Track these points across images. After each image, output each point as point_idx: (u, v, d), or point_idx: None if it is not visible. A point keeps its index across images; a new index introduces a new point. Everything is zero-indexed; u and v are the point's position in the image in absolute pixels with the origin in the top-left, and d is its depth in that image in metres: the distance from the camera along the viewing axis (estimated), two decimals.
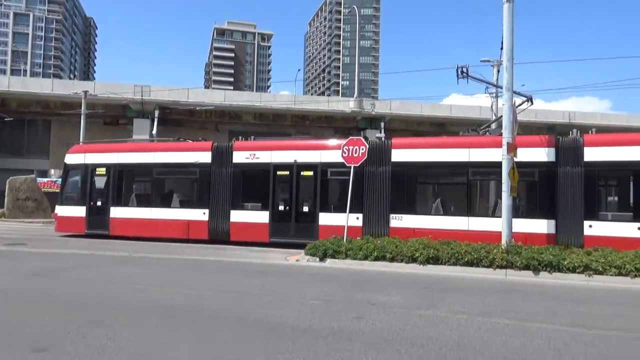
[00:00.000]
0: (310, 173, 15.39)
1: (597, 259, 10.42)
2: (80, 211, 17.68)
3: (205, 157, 16.66)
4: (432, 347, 5.36)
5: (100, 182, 17.82)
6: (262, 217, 15.73)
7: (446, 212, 14.30)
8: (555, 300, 8.33)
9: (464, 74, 15.65)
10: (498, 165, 12.16)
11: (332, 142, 15.83)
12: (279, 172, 15.75)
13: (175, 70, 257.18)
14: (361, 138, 13.77)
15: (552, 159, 13.33)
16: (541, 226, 13.10)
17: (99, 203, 17.57)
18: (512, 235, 11.88)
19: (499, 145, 12.29)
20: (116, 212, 17.32)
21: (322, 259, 12.34)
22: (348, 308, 7.23)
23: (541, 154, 13.45)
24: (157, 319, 6.45)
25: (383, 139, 20.03)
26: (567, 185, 13.09)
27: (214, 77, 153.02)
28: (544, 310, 7.47)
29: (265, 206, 15.79)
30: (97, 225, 17.44)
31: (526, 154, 13.13)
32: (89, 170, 17.84)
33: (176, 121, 35.86)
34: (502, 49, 12.61)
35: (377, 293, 8.51)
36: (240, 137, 17.29)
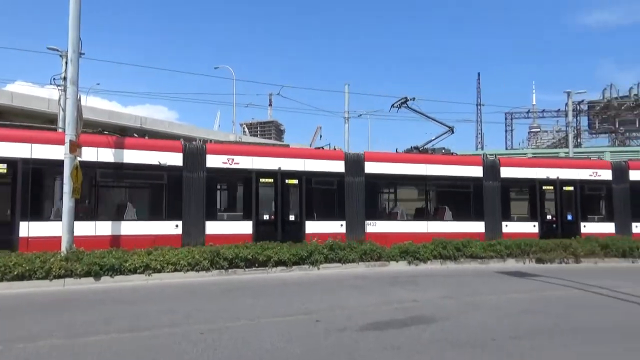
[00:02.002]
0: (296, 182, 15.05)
1: (156, 257, 11.00)
2: None
3: (175, 158, 13.60)
4: None
5: None
6: (244, 227, 14.20)
7: (410, 219, 16.71)
8: (114, 306, 8.13)
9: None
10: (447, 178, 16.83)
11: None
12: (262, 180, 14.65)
13: None
14: None
15: (480, 175, 17.00)
16: (476, 227, 16.53)
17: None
18: (73, 240, 11.01)
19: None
20: (32, 228, 11.79)
21: None
22: None
23: (473, 171, 17.07)
24: None
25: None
26: (489, 195, 16.89)
27: None
28: (102, 319, 7.11)
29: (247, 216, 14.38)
30: None
31: (464, 171, 16.96)
32: None
33: None
34: None
35: None
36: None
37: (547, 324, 6.95)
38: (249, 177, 14.51)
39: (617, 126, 52.19)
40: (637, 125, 51.52)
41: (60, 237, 10.99)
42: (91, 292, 9.33)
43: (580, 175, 17.97)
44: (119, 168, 13.00)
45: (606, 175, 18.25)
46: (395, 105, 18.71)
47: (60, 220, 11.27)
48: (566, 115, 51.86)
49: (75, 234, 11.36)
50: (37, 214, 11.89)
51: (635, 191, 18.15)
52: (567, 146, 48.78)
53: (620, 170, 18.33)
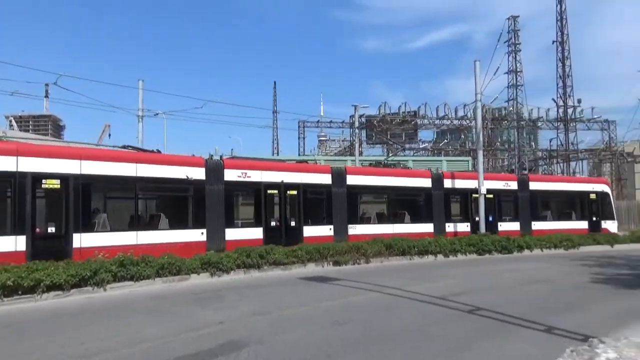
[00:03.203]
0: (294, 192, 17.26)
1: None
2: (8, 243, 11.53)
3: (199, 173, 15.18)
4: None
5: (51, 200, 12.61)
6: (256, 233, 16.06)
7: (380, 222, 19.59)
8: None
9: None
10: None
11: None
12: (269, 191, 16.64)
13: None
14: None
15: (429, 185, 20.91)
16: (427, 227, 20.42)
17: (51, 229, 12.37)
18: None
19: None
20: (84, 239, 12.65)
21: None
22: None
23: (423, 182, 20.85)
24: None
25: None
26: (436, 201, 20.91)
27: None
28: None
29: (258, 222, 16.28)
30: (50, 258, 11.25)
31: (417, 182, 20.76)
32: (28, 182, 11.92)
33: None
34: None
35: None
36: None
37: (357, 334, 6.91)
38: (259, 188, 16.42)
39: (388, 138, 59.92)
40: (404, 139, 60.05)
41: (108, 247, 12.47)
42: None
43: (497, 186, 23.06)
44: (154, 182, 14.32)
45: (514, 185, 23.69)
46: (359, 126, 24.49)
47: (106, 231, 13.12)
48: (351, 127, 57.28)
49: (120, 243, 13.01)
50: (88, 226, 12.88)
51: (533, 197, 23.93)
52: (351, 154, 53.99)
53: (523, 181, 24.10)
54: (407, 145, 60.25)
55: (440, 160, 40.25)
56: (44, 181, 12.30)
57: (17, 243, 11.70)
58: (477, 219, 21.56)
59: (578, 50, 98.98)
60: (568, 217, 25.87)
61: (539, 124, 57.76)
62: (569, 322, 7.47)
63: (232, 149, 60.36)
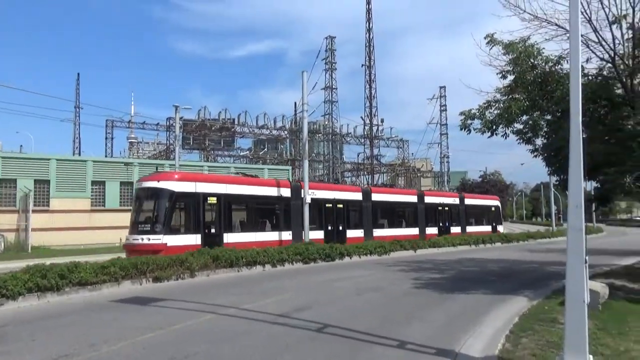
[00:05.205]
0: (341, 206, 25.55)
1: None
2: (192, 239, 18.34)
3: (287, 192, 23.06)
4: None
5: (212, 210, 19.67)
6: (319, 234, 23.84)
7: (398, 226, 29.77)
8: None
9: None
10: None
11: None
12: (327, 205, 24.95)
13: None
14: None
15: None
16: (413, 231, 30.19)
17: (213, 230, 19.30)
18: None
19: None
20: (229, 237, 19.51)
21: None
22: None
23: (410, 199, 31.73)
24: None
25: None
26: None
27: None
28: None
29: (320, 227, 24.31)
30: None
31: (406, 198, 31.52)
32: (201, 199, 19.04)
33: None
34: None
35: None
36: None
37: None
38: (320, 203, 24.17)
39: (207, 144, 57.94)
40: (222, 145, 58.81)
41: (241, 243, 18.85)
42: None
43: (447, 201, 34.20)
44: (263, 198, 22.05)
45: (456, 201, 34.97)
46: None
47: (239, 232, 20.57)
48: (168, 129, 53.70)
49: (247, 240, 19.59)
50: (230, 228, 20.25)
51: (467, 209, 36.23)
52: (167, 158, 50.41)
53: (462, 198, 36.12)
54: (226, 153, 59.13)
55: (262, 169, 40.24)
56: (208, 198, 19.13)
57: (197, 239, 18.34)
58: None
59: (381, 76, 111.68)
60: (481, 223, 37.60)
61: (348, 139, 62.67)
62: (415, 334, 7.43)
63: (21, 146, 51.27)
